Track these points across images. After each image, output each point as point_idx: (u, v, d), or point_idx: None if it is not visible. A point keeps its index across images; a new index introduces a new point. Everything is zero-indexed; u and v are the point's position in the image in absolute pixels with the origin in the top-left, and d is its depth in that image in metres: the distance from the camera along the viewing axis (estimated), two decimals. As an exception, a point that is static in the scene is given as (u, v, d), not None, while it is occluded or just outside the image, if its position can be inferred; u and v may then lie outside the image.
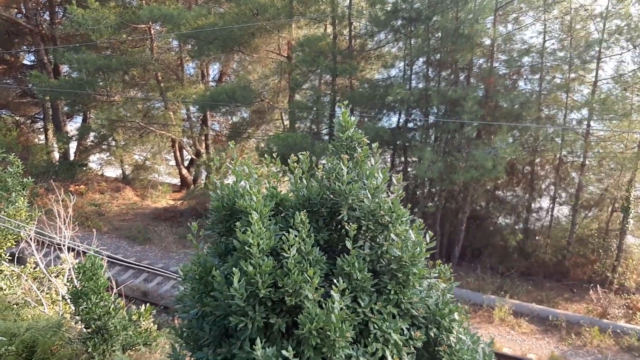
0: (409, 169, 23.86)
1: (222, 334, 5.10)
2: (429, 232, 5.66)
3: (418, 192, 23.85)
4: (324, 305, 4.59)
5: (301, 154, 5.87)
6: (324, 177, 5.64)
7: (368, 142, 5.86)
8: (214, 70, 35.79)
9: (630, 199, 20.11)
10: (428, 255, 5.59)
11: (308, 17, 24.66)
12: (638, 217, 21.03)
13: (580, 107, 20.25)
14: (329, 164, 5.64)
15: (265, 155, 6.18)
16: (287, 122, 28.43)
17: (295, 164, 5.89)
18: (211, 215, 5.56)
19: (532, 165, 22.38)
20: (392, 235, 5.25)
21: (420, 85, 22.52)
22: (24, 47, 39.27)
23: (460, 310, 6.02)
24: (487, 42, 21.21)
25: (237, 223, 4.92)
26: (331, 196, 5.51)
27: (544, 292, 20.10)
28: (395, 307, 5.23)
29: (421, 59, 22.84)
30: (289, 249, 4.76)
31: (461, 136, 20.47)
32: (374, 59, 24.98)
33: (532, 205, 22.84)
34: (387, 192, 5.70)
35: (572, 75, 20.65)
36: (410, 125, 23.39)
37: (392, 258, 5.25)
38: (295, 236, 4.86)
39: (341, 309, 4.55)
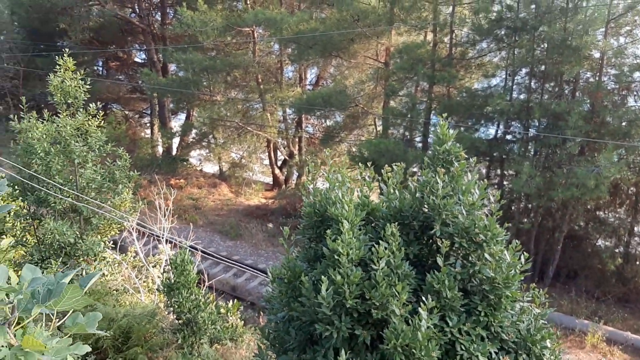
0: (505, 183, 23.05)
1: (307, 340, 5.17)
2: (525, 253, 5.45)
3: (513, 207, 22.98)
4: (410, 321, 4.54)
5: (395, 165, 5.84)
6: (418, 189, 5.58)
7: (466, 156, 5.73)
8: (311, 74, 36.39)
9: None
10: (522, 278, 5.39)
11: (409, 24, 24.48)
12: None
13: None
14: (424, 176, 5.57)
15: (360, 163, 6.20)
16: (380, 128, 28.36)
17: (389, 173, 5.86)
18: (302, 220, 5.65)
19: (638, 187, 20.96)
20: (486, 255, 5.10)
21: (522, 97, 21.71)
22: (136, 45, 41.84)
23: (553, 337, 5.76)
24: (596, 55, 20.10)
25: (328, 231, 4.96)
26: (424, 210, 5.43)
27: (642, 322, 18.83)
28: (485, 329, 5.08)
29: (524, 70, 22.03)
30: (378, 261, 4.75)
31: (563, 152, 19.51)
32: (474, 67, 24.37)
33: (636, 228, 21.40)
34: (486, 211, 5.54)
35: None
36: (509, 137, 22.61)
37: (485, 278, 5.09)
38: (385, 248, 4.83)
39: (428, 327, 4.48)
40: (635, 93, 20.50)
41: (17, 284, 2.17)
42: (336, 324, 4.67)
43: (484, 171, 23.76)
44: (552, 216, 21.79)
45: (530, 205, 22.27)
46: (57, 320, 2.33)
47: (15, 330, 2.09)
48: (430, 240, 5.40)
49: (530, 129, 21.32)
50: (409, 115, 24.18)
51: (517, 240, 5.27)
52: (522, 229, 21.61)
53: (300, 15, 26.34)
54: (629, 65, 20.26)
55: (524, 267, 5.34)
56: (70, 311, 2.31)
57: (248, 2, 30.26)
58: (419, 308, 4.51)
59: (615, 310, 19.38)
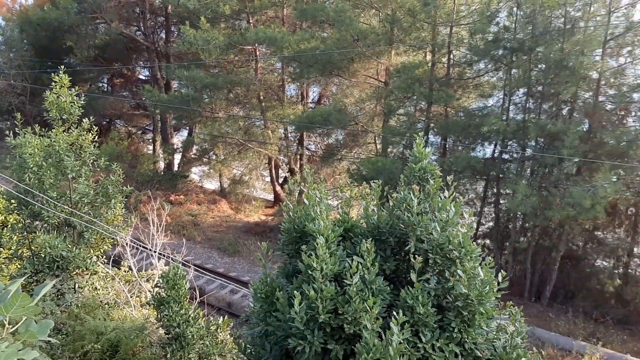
0: (502, 202, 23.10)
1: (283, 355, 5.23)
2: (502, 271, 5.51)
3: (510, 226, 23.01)
4: (383, 336, 4.59)
5: (373, 182, 5.94)
6: (395, 206, 5.66)
7: (441, 174, 5.82)
8: (313, 92, 36.69)
9: None
10: (499, 296, 5.43)
11: (408, 45, 24.75)
12: None
13: None
14: (401, 193, 5.66)
15: (350, 180, 6.30)
16: (379, 146, 28.51)
17: (368, 190, 5.96)
18: (282, 236, 5.74)
19: (637, 207, 20.96)
20: (459, 271, 5.15)
21: (519, 117, 21.83)
22: (140, 62, 42.33)
23: (536, 356, 5.79)
24: (594, 75, 20.24)
25: (304, 246, 5.05)
26: (400, 226, 5.51)
27: (641, 344, 18.69)
28: (458, 345, 5.12)
29: (521, 90, 22.18)
30: (351, 276, 4.82)
31: (559, 171, 19.58)
32: (472, 87, 24.56)
33: (635, 249, 21.35)
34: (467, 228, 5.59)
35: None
36: (505, 156, 22.70)
37: (459, 295, 5.15)
38: (360, 264, 4.90)
39: (400, 342, 4.53)
40: (634, 113, 20.59)
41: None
42: (309, 338, 4.73)
43: (480, 190, 23.84)
44: (549, 236, 21.79)
45: (527, 225, 22.29)
46: (11, 327, 2.42)
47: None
48: (407, 256, 5.47)
49: (526, 149, 21.42)
50: (407, 134, 24.32)
51: (491, 258, 5.34)
52: (518, 248, 21.62)
53: (301, 34, 26.65)
54: (628, 85, 20.37)
55: (501, 284, 5.38)
56: (23, 318, 2.40)
57: (251, 21, 30.63)
58: (391, 323, 4.57)
59: (614, 332, 19.22)
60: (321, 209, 5.56)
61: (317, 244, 4.95)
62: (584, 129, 20.12)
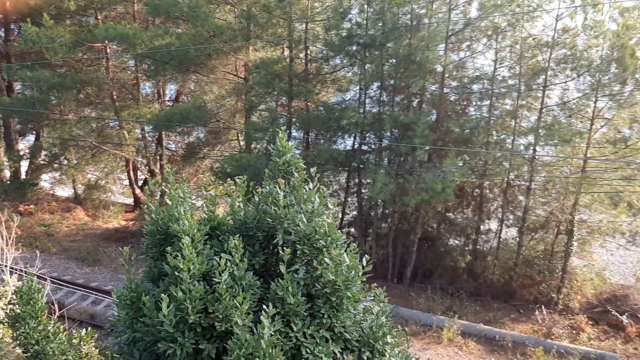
0: (363, 191, 24.11)
1: (153, 360, 5.06)
2: (367, 256, 5.76)
3: (372, 214, 24.09)
4: (254, 330, 4.61)
5: (238, 178, 5.93)
6: (261, 201, 5.70)
7: (305, 167, 5.95)
8: (170, 90, 35.55)
9: (574, 222, 20.76)
10: (364, 279, 5.69)
11: (265, 40, 24.86)
12: (582, 239, 21.70)
13: (527, 133, 20.90)
14: (266, 188, 5.70)
15: (214, 178, 6.22)
16: (243, 143, 28.41)
17: (233, 187, 5.94)
18: (145, 239, 5.54)
19: (482, 189, 22.91)
20: (326, 259, 5.32)
21: (374, 110, 22.89)
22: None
23: (400, 333, 6.13)
24: (439, 68, 21.75)
25: (169, 248, 4.92)
26: (268, 220, 5.56)
27: (492, 313, 20.44)
28: (328, 331, 5.29)
29: (375, 84, 23.25)
30: (220, 274, 4.78)
31: (413, 159, 20.85)
32: (330, 82, 25.31)
33: (481, 227, 23.33)
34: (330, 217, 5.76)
35: (521, 102, 21.30)
36: (365, 148, 23.71)
37: (327, 282, 5.31)
38: (228, 261, 4.88)
39: (271, 334, 4.58)
40: (474, 103, 22.40)
41: None
42: (179, 340, 4.63)
43: (343, 181, 24.69)
44: (407, 220, 23.14)
45: (387, 211, 23.46)
46: None
47: None
48: (275, 249, 5.53)
49: (383, 140, 22.52)
50: (270, 130, 24.48)
51: (355, 244, 5.57)
52: (380, 234, 22.71)
53: (154, 31, 25.70)
54: (469, 77, 22.12)
55: (365, 268, 5.64)
56: None
57: (99, 17, 28.97)
58: (261, 316, 4.60)
59: (467, 305, 20.85)
60: (185, 208, 5.44)
61: (183, 245, 4.84)
62: (433, 119, 21.55)
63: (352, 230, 25.46)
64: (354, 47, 22.64)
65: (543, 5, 19.49)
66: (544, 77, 20.14)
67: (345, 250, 5.53)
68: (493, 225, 23.62)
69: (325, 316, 5.25)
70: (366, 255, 5.70)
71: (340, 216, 24.83)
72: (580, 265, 22.65)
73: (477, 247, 23.41)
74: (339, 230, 5.59)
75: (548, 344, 18.11)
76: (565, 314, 20.22)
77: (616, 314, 19.98)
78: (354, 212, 25.21)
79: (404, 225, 23.37)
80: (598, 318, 20.28)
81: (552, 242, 21.99)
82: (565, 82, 20.22)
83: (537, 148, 20.96)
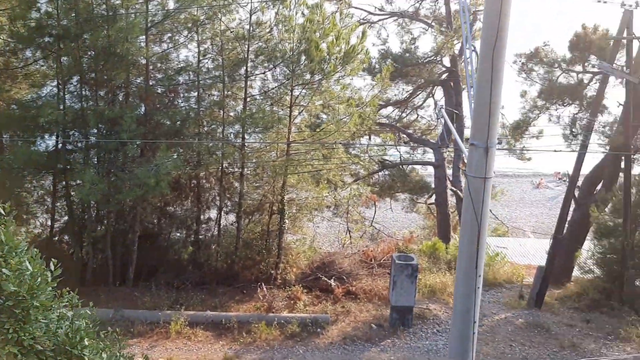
0: (73, 193, 22.43)
1: None
2: (53, 260, 5.41)
3: (86, 217, 22.67)
4: None
5: None
6: None
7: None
8: None
9: (285, 201, 22.57)
10: (55, 285, 5.35)
11: None
12: (293, 216, 23.72)
13: (235, 122, 21.87)
14: None
15: None
16: None
17: None
18: None
19: (198, 179, 23.28)
20: (5, 270, 4.85)
21: (77, 105, 21.35)
22: None
23: (111, 335, 5.96)
24: (143, 61, 21.30)
25: None
26: None
27: (218, 298, 21.01)
28: (17, 345, 4.86)
29: (75, 78, 21.69)
30: None
31: (124, 155, 20.15)
32: (22, 77, 22.77)
33: (202, 217, 23.76)
34: None
35: (227, 92, 22.14)
36: (70, 147, 22.03)
37: (9, 294, 4.85)
38: None
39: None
40: (182, 94, 22.53)
41: None
42: None
43: (49, 185, 22.66)
44: (125, 219, 22.37)
45: (102, 212, 22.32)
46: None
47: None
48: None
49: (89, 137, 21.30)
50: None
51: (36, 249, 5.21)
52: (96, 237, 21.55)
53: None
54: (173, 69, 22.15)
55: (54, 273, 5.30)
56: None
57: None
58: None
59: (194, 295, 21.05)
60: None
61: None
62: (141, 112, 21.13)
63: (66, 237, 23.60)
64: (47, 39, 20.77)
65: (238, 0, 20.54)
66: (245, 68, 21.27)
67: (28, 258, 5.13)
68: (213, 213, 24.24)
69: (11, 331, 4.81)
70: (53, 260, 5.37)
71: (50, 223, 22.78)
72: (294, 240, 24.77)
73: (200, 237, 23.81)
74: (53, 239, 5.16)
75: (270, 318, 19.44)
76: (284, 287, 21.90)
77: (325, 279, 22.38)
78: (66, 218, 23.30)
79: (121, 225, 22.53)
80: (311, 286, 22.36)
81: (267, 222, 23.52)
82: (264, 72, 21.71)
83: (246, 136, 22.17)
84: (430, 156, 34.02)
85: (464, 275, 10.60)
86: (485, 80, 8.45)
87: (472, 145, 8.93)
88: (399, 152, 33.26)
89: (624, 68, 20.55)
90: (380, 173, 32.73)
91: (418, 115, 36.68)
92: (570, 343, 18.94)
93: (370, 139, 30.99)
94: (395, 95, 34.20)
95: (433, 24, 32.41)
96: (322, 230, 31.78)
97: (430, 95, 35.79)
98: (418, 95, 35.69)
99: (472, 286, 10.41)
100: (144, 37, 20.50)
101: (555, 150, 17.50)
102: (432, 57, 32.23)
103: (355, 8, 32.30)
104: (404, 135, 34.55)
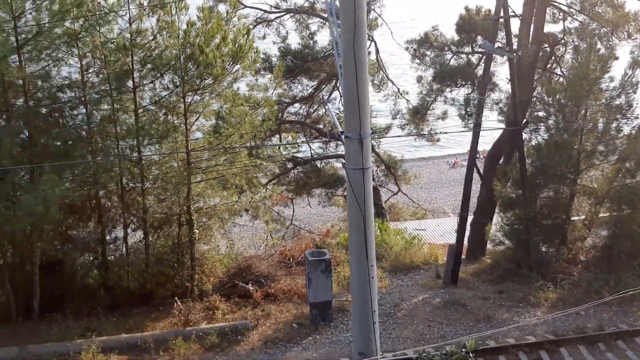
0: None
1: None
2: None
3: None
4: None
5: None
6: None
7: None
8: None
9: (192, 211, 21.91)
10: None
11: None
12: (203, 225, 23.07)
13: (128, 135, 20.95)
14: None
15: None
16: None
17: None
18: None
19: (98, 199, 22.16)
20: None
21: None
22: None
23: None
24: (20, 81, 20.02)
25: None
26: None
27: (132, 320, 20.09)
28: None
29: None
30: None
31: (9, 184, 18.89)
32: None
33: (108, 237, 22.66)
34: None
35: (117, 106, 21.15)
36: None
37: None
38: None
39: None
40: (66, 113, 21.32)
41: None
42: None
43: None
44: (20, 250, 21.04)
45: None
46: None
47: None
48: None
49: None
50: None
51: None
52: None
53: None
54: (56, 87, 20.92)
55: None
56: None
57: None
58: None
59: (105, 319, 20.07)
60: None
61: None
62: (25, 136, 19.95)
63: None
64: None
65: (115, 9, 19.70)
66: (132, 79, 20.45)
67: None
68: (120, 233, 23.22)
69: None
70: None
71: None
72: (208, 249, 24.09)
73: (108, 258, 22.71)
74: None
75: (187, 332, 18.84)
76: (201, 299, 21.30)
77: (243, 284, 22.01)
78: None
79: (18, 258, 21.19)
80: (230, 293, 21.87)
81: (177, 235, 22.76)
82: (152, 82, 20.96)
83: (142, 148, 21.34)
84: (342, 149, 34.16)
85: (356, 267, 10.58)
86: (351, 75, 8.38)
87: (347, 138, 8.88)
88: (310, 147, 33.29)
89: (505, 46, 21.28)
90: (294, 171, 32.62)
91: (326, 109, 36.76)
92: (485, 315, 19.48)
93: (280, 138, 30.92)
94: (300, 92, 34.22)
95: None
96: (247, 235, 31.34)
97: (336, 88, 35.91)
98: (324, 89, 35.78)
99: (366, 277, 10.38)
100: (16, 56, 19.24)
101: (446, 132, 17.86)
102: (331, 51, 32.32)
103: (250, 7, 31.97)
104: (314, 131, 34.60)
